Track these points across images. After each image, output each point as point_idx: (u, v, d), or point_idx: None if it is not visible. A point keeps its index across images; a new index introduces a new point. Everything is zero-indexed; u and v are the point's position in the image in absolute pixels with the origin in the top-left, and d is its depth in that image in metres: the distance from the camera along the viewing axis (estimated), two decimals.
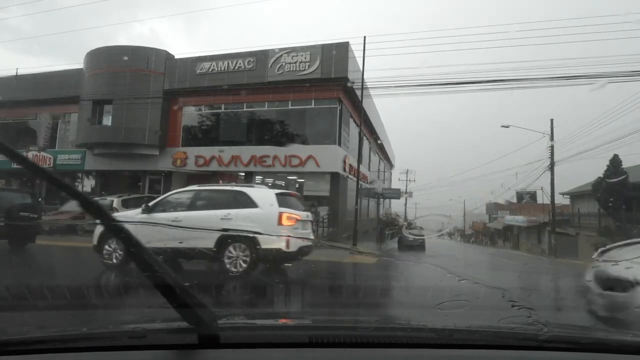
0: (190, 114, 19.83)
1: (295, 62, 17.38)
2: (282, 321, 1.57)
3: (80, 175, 21.52)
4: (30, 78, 21.80)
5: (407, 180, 48.56)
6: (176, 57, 19.54)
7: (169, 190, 20.57)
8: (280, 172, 18.11)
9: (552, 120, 22.82)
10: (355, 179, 20.19)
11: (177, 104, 19.77)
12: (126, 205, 14.81)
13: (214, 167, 18.64)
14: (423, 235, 22.17)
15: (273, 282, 6.27)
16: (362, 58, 16.41)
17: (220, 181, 20.16)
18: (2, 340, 1.12)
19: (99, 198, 15.12)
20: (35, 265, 8.40)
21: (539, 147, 24.96)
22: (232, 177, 21.20)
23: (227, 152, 18.39)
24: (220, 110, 19.28)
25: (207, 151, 18.68)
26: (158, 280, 1.09)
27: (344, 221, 18.57)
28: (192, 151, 18.96)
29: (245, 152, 18.16)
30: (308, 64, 17.30)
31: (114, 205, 14.28)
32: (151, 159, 19.31)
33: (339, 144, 17.57)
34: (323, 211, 17.37)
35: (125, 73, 18.72)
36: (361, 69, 16.57)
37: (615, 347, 1.17)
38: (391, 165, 42.70)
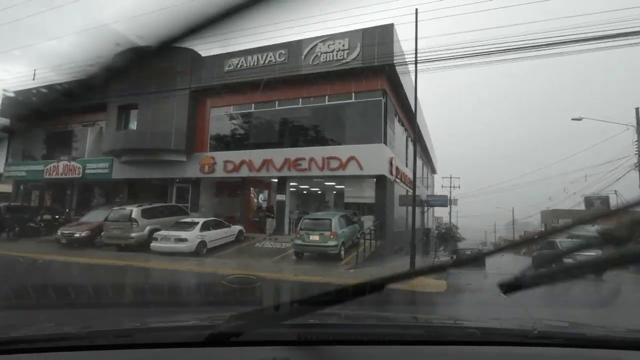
0: (219, 116, 18.07)
1: (332, 51, 15.11)
2: (268, 319, 1.34)
3: (108, 184, 20.39)
4: (61, 87, 21.10)
5: (450, 187, 44.87)
6: (203, 54, 17.92)
7: (198, 199, 19.11)
8: (317, 176, 15.79)
9: (637, 109, 18.99)
10: (401, 183, 17.56)
11: (204, 106, 18.12)
12: (147, 215, 13.09)
13: (244, 172, 16.67)
14: (481, 248, 18.99)
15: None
16: (409, 37, 13.80)
17: (252, 189, 18.21)
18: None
19: (117, 208, 13.54)
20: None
21: (616, 144, 20.93)
22: (263, 184, 19.22)
23: (258, 155, 16.40)
24: (249, 110, 17.35)
25: (236, 155, 16.76)
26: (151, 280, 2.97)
27: (392, 232, 15.93)
28: (221, 156, 17.13)
29: (278, 155, 16.05)
30: (347, 51, 14.97)
31: (133, 215, 12.60)
32: (178, 165, 17.68)
33: (385, 143, 15.03)
34: (368, 221, 14.83)
35: (151, 75, 17.30)
36: (406, 50, 13.99)
37: (603, 343, 1.16)
38: (433, 170, 39.32)
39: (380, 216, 14.80)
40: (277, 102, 16.67)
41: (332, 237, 10.88)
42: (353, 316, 1.48)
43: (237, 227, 14.33)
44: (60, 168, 20.80)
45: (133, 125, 17.83)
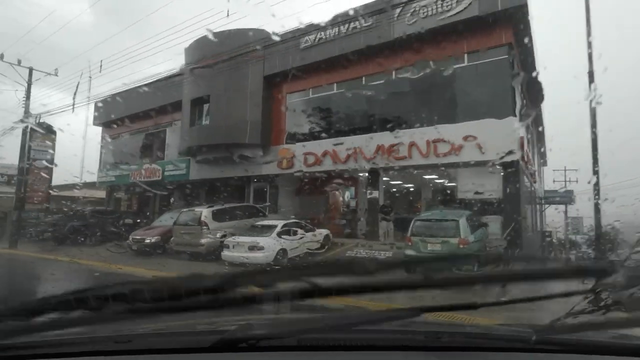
0: (296, 102, 15.68)
1: (436, 1, 11.67)
2: (270, 324, 1.33)
3: (186, 186, 19.39)
4: (140, 89, 20.89)
5: (565, 181, 37.26)
6: (277, 34, 15.72)
7: (276, 199, 16.89)
8: (420, 165, 12.40)
9: None
10: (531, 170, 13.22)
11: (279, 92, 15.91)
12: (219, 217, 11.05)
13: (327, 165, 13.96)
14: None
15: None
16: None
17: (337, 185, 15.42)
18: None
19: (186, 209, 11.79)
20: None
21: None
22: (347, 180, 16.29)
23: (344, 144, 13.57)
24: (331, 92, 14.62)
25: (318, 146, 14.14)
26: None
27: (527, 239, 11.82)
28: (300, 148, 14.70)
29: (369, 142, 13.02)
30: (454, 0, 11.42)
31: (203, 218, 10.64)
32: (254, 161, 15.68)
33: (516, 115, 11.04)
34: (495, 222, 10.98)
35: (222, 63, 15.64)
36: None
37: (606, 349, 1.14)
38: (544, 161, 32.67)
39: (510, 216, 10.86)
40: (363, 78, 13.67)
41: (462, 245, 7.48)
42: (352, 322, 1.26)
43: (322, 231, 11.63)
44: (143, 171, 20.46)
45: (206, 121, 16.33)
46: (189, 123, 16.55)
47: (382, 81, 13.17)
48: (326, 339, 1.10)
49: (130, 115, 21.31)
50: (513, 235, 10.44)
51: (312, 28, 14.07)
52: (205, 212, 10.71)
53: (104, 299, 1.00)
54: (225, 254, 9.49)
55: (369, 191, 13.61)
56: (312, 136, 14.94)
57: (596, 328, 1.17)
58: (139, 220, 17.23)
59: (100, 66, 19.30)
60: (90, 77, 19.48)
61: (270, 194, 16.09)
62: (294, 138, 15.30)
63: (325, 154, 13.85)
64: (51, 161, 21.32)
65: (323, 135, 14.44)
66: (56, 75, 16.73)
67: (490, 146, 10.82)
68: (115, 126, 23.14)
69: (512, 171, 11.07)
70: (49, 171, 21.40)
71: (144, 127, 21.73)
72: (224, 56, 15.19)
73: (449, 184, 16.48)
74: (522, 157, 11.52)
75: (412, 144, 12.07)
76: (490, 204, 12.06)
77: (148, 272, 9.08)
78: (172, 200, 19.98)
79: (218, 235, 10.58)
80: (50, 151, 21.62)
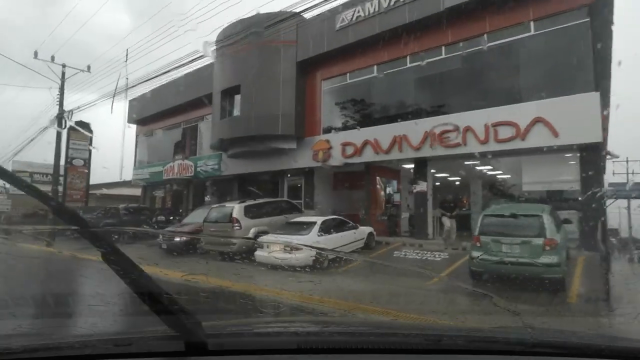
0: (332, 89, 14.47)
1: None
2: (270, 328, 1.47)
3: (219, 181, 18.74)
4: (172, 84, 20.51)
5: (628, 173, 33.60)
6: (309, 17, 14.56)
7: (312, 194, 15.73)
8: (477, 153, 10.82)
9: None
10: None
11: (313, 79, 14.76)
12: (251, 214, 10.08)
13: (368, 156, 12.66)
14: None
15: None
16: None
17: (378, 178, 14.08)
18: None
19: (217, 205, 10.93)
20: None
21: None
22: (388, 173, 14.88)
23: (386, 132, 12.21)
24: (371, 76, 13.26)
25: (357, 135, 12.87)
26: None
27: (607, 238, 9.96)
28: (338, 138, 13.47)
29: (415, 128, 11.59)
30: None
31: (234, 214, 9.71)
32: (289, 154, 14.64)
33: (598, 90, 9.22)
34: (571, 219, 9.23)
35: (252, 50, 14.71)
36: None
37: (604, 352, 1.11)
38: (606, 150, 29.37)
39: (591, 212, 9.10)
40: (408, 57, 12.21)
41: (548, 247, 5.97)
42: (351, 325, 1.40)
43: (365, 229, 10.38)
44: (176, 168, 20.04)
45: (237, 112, 15.48)
46: (220, 115, 15.78)
47: (430, 59, 11.66)
48: (326, 342, 1.11)
49: (163, 112, 21.04)
50: (595, 235, 8.71)
51: (349, 5, 12.81)
52: (236, 208, 9.77)
53: None
54: (259, 254, 8.46)
55: (415, 184, 12.18)
56: (351, 125, 13.69)
57: (595, 331, 1.74)
58: (171, 218, 16.76)
59: (127, 55, 18.88)
60: (127, 77, 19.32)
61: (305, 189, 15.02)
62: (330, 128, 14.12)
63: (365, 143, 12.56)
64: (88, 159, 21.48)
65: (363, 123, 13.16)
66: (88, 71, 16.51)
67: (564, 128, 9.11)
68: (149, 123, 23.03)
69: (592, 157, 9.29)
70: (87, 169, 21.59)
71: (176, 123, 21.37)
72: (254, 42, 14.26)
73: (505, 175, 14.69)
74: (604, 141, 9.70)
75: (467, 129, 10.52)
76: (564, 198, 10.30)
77: (172, 273, 8.25)
78: (206, 197, 19.44)
79: (250, 233, 9.61)
80: (87, 149, 21.79)
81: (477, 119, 10.36)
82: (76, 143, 20.97)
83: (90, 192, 23.47)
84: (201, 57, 13.12)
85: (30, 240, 18.05)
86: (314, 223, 8.77)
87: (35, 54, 15.08)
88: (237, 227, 9.44)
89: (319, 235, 8.47)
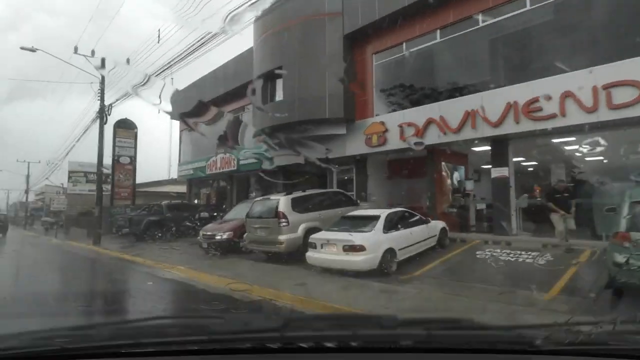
0: (385, 63, 12.59)
1: None
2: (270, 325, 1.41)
3: (262, 174, 17.59)
4: (211, 76, 19.72)
5: None
6: None
7: (365, 185, 13.96)
8: (580, 125, 8.48)
9: None
10: None
11: (363, 54, 12.99)
12: (300, 207, 8.62)
13: (432, 138, 10.72)
14: None
15: None
16: None
17: (443, 164, 12.07)
18: None
19: (260, 198, 9.62)
20: None
21: None
22: (455, 157, 12.75)
23: (454, 108, 10.21)
24: (434, 42, 11.25)
25: (418, 114, 10.99)
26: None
27: None
28: (394, 119, 11.66)
29: (492, 100, 9.51)
30: None
31: (281, 208, 8.29)
32: (337, 140, 13.06)
33: None
34: None
35: (294, 27, 13.24)
36: None
37: (609, 352, 1.09)
38: None
39: None
40: (480, 16, 10.07)
41: None
42: (351, 323, 1.38)
43: (438, 224, 8.54)
44: (219, 162, 19.26)
45: (280, 97, 14.12)
46: (261, 102, 14.51)
47: (509, 14, 9.46)
48: (327, 340, 1.09)
49: (206, 104, 20.32)
50: None
51: None
52: (282, 201, 8.34)
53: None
54: (312, 255, 6.96)
55: (493, 169, 10.08)
56: (409, 103, 11.80)
57: (598, 329, 1.14)
58: (214, 214, 15.86)
59: (159, 37, 18.37)
60: (172, 78, 18.77)
61: (357, 179, 13.37)
62: (384, 109, 12.32)
63: (428, 123, 10.64)
64: (134, 157, 21.38)
65: (424, 99, 11.23)
66: (128, 64, 15.99)
67: None
68: (192, 118, 22.51)
69: None
70: (133, 167, 21.51)
71: (218, 116, 20.52)
72: (296, 18, 12.79)
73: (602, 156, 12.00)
74: None
75: (566, 95, 8.27)
76: None
77: (209, 278, 6.98)
78: (251, 192, 18.44)
79: (299, 230, 8.15)
80: (133, 147, 21.69)
81: (580, 80, 8.09)
82: (122, 140, 20.90)
83: (138, 190, 23.57)
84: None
85: (81, 238, 18.14)
86: (377, 217, 7.09)
87: (75, 49, 14.72)
88: (283, 223, 8.03)
89: (384, 232, 6.79)
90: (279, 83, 14.13)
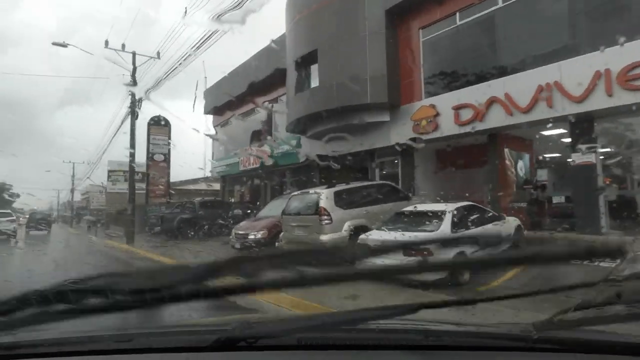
0: (434, 39, 11.08)
1: None
2: (270, 323, 1.40)
3: (298, 169, 16.56)
4: (242, 67, 18.93)
5: None
6: None
7: (411, 177, 12.25)
8: None
9: None
10: None
11: (408, 30, 11.54)
12: (343, 202, 7.42)
13: (495, 120, 9.16)
14: None
15: None
16: None
17: (506, 151, 10.43)
18: None
19: (298, 192, 8.51)
20: None
21: None
22: (519, 143, 11.02)
23: (525, 82, 8.59)
24: (495, 7, 9.63)
25: (477, 93, 9.43)
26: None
27: None
28: (447, 101, 10.17)
29: (573, 69, 7.83)
30: None
31: (323, 203, 7.14)
32: (379, 129, 11.72)
33: None
34: None
35: (330, 5, 12.01)
36: None
37: (608, 347, 1.07)
38: None
39: None
40: None
41: None
42: (350, 321, 1.26)
43: (512, 221, 7.03)
44: (252, 157, 18.48)
45: (315, 84, 12.97)
46: (295, 90, 13.45)
47: None
48: (326, 338, 1.10)
49: (237, 97, 19.62)
50: None
51: None
52: (324, 195, 7.16)
53: (82, 292, 0.97)
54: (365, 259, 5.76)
55: (574, 153, 8.37)
56: (465, 81, 10.25)
57: (600, 324, 1.10)
58: (248, 211, 15.04)
59: (185, 12, 17.57)
60: (205, 77, 18.28)
61: (403, 171, 11.96)
62: (435, 89, 10.83)
63: (491, 103, 9.07)
64: (167, 154, 21.09)
65: (483, 76, 9.66)
66: (158, 58, 15.47)
67: None
68: (224, 112, 21.94)
69: None
70: (167, 164, 21.25)
71: (251, 109, 19.81)
72: None
73: None
74: None
75: None
76: None
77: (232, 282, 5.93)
78: (285, 188, 17.49)
79: (344, 228, 6.95)
80: (167, 144, 21.42)
81: None
82: (156, 138, 20.65)
83: (174, 188, 23.41)
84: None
85: (119, 236, 18.00)
86: (442, 214, 5.73)
87: (106, 43, 14.33)
88: (326, 221, 6.86)
89: (453, 232, 5.44)
90: (315, 69, 12.98)
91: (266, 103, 18.10)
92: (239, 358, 1.05)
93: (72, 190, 39.85)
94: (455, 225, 5.59)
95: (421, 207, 6.45)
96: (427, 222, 5.78)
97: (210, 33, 12.08)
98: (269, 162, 17.03)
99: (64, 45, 13.54)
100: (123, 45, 14.79)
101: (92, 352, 1.06)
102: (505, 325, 1.33)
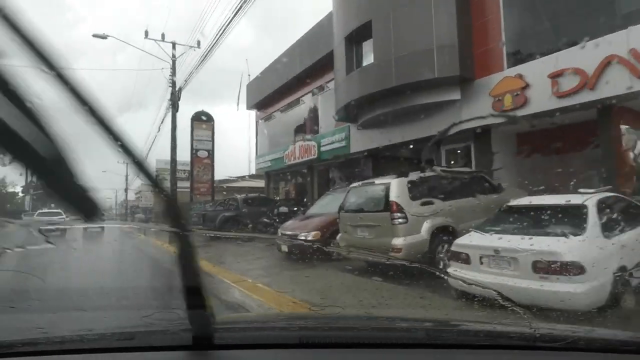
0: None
1: None
2: (273, 322, 1.46)
3: (348, 162, 14.99)
4: (285, 55, 17.70)
5: None
6: None
7: (488, 164, 9.66)
8: None
9: None
10: None
11: None
12: (420, 195, 5.75)
13: (612, 87, 7.01)
14: None
15: None
16: None
17: (623, 128, 8.13)
18: None
19: (358, 184, 6.93)
20: None
21: None
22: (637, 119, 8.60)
23: None
24: None
25: (587, 53, 7.30)
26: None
27: None
28: (540, 68, 8.07)
29: None
30: None
31: (393, 196, 5.52)
32: (449, 110, 9.85)
33: None
34: None
35: None
36: None
37: (607, 346, 1.08)
38: None
39: None
40: None
41: None
42: (354, 320, 1.35)
43: None
44: (297, 151, 17.19)
45: (369, 60, 11.32)
46: (345, 72, 11.89)
47: None
48: (328, 337, 1.10)
49: (280, 89, 18.49)
50: None
51: None
52: (394, 187, 5.53)
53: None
54: (460, 274, 4.06)
55: None
56: (560, 44, 8.09)
57: (599, 324, 1.18)
58: (295, 209, 13.77)
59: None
60: (249, 75, 17.40)
61: (477, 159, 9.98)
62: (521, 55, 8.76)
63: (607, 63, 6.91)
64: (211, 150, 20.49)
65: (589, 32, 7.46)
66: (198, 47, 14.66)
67: None
68: (267, 106, 20.93)
69: None
70: (211, 160, 20.67)
71: (295, 100, 18.57)
72: None
73: None
74: None
75: None
76: None
77: (294, 306, 4.47)
78: (334, 183, 16.02)
79: (424, 229, 5.29)
80: (211, 141, 20.85)
81: None
82: (199, 134, 20.12)
83: (220, 186, 22.90)
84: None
85: (162, 236, 17.56)
86: (582, 208, 3.90)
87: (146, 33, 13.71)
88: (399, 220, 5.24)
89: (605, 237, 3.61)
90: (368, 45, 11.35)
91: (314, 90, 16.71)
92: (239, 356, 1.04)
93: (126, 190, 41.37)
94: (606, 226, 3.73)
95: (537, 201, 4.61)
96: (555, 222, 3.97)
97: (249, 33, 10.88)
98: (315, 154, 15.66)
99: (103, 37, 13.12)
100: (163, 35, 14.08)
101: (93, 350, 1.07)
102: (508, 325, 1.34)
